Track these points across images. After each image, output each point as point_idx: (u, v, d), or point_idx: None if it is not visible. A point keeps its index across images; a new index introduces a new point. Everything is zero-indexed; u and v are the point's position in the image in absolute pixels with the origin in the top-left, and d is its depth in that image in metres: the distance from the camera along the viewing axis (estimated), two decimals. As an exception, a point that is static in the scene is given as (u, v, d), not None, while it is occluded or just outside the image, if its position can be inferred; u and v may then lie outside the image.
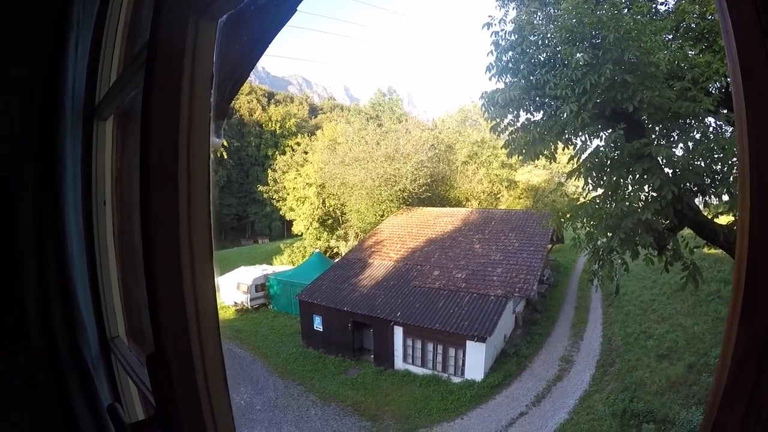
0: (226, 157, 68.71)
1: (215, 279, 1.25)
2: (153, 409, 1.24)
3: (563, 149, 10.55)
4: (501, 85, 10.10)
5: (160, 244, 1.13)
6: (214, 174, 1.17)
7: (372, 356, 19.56)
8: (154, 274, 1.14)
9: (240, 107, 75.69)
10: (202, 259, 1.13)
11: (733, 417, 0.85)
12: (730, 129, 9.06)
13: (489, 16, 9.84)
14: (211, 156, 1.15)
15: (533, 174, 42.66)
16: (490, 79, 9.99)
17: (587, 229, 10.38)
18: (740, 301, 0.83)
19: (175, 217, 1.09)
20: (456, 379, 16.79)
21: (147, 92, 1.13)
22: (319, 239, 41.75)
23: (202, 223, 1.12)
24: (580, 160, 9.86)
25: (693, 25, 9.88)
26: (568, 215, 10.80)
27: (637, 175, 8.72)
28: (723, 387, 0.86)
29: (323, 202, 42.06)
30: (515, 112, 10.28)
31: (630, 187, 9.38)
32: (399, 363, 18.44)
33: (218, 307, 1.26)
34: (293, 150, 52.24)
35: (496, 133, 10.78)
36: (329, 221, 42.54)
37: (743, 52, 0.81)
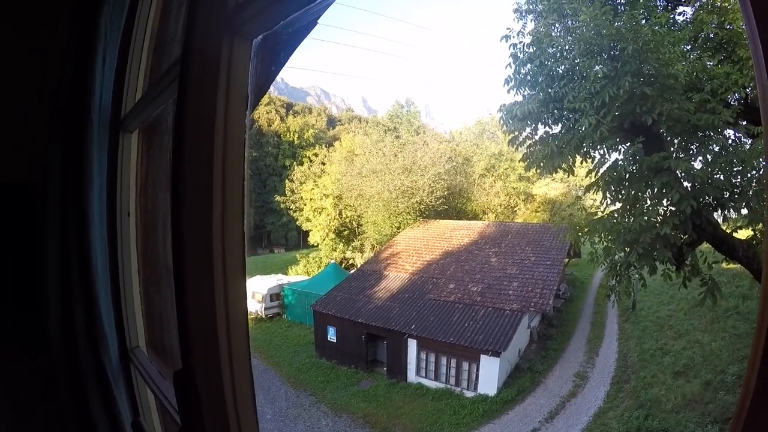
0: (244, 166, 69.11)
1: (246, 294, 1.23)
2: (175, 425, 1.24)
3: (581, 163, 10.46)
4: (519, 98, 10.11)
5: (191, 259, 1.13)
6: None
7: (385, 368, 19.45)
8: (184, 290, 1.14)
9: (259, 117, 76.13)
10: (234, 277, 1.12)
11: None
12: (749, 141, 8.94)
13: (507, 29, 9.85)
14: (246, 174, 1.15)
15: (551, 187, 42.42)
16: (508, 91, 10.01)
17: (605, 243, 10.27)
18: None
19: (208, 233, 1.08)
20: (469, 394, 16.62)
21: (180, 106, 1.14)
22: (335, 250, 41.83)
23: (236, 240, 1.12)
24: (599, 174, 9.79)
25: (711, 35, 9.75)
26: (585, 229, 10.71)
27: (656, 189, 8.65)
28: (746, 411, 0.84)
29: (340, 213, 42.16)
30: (533, 125, 10.26)
31: (648, 201, 9.29)
32: (412, 376, 18.31)
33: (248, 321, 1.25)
34: (311, 161, 52.67)
35: (514, 146, 10.77)
36: (345, 232, 42.60)
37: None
